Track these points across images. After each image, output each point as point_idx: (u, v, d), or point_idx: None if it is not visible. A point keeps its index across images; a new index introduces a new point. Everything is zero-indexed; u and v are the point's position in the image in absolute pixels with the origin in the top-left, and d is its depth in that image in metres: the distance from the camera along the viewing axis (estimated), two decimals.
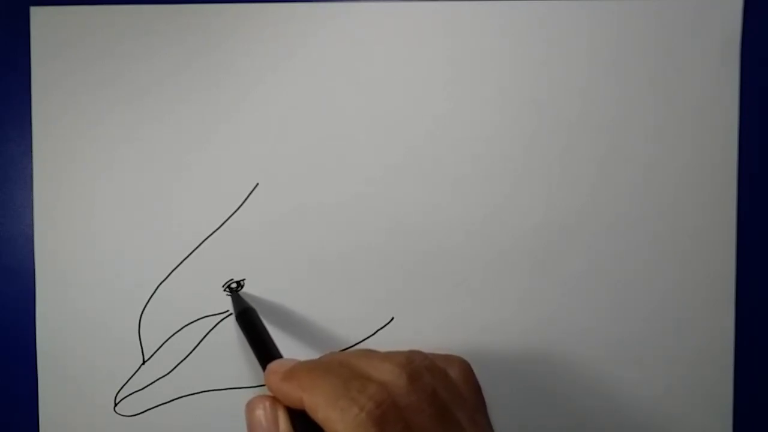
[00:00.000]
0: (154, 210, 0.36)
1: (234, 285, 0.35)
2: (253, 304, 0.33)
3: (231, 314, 0.35)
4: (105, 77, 0.35)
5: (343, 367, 0.25)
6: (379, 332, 0.35)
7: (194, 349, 0.36)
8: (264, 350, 0.30)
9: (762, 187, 0.35)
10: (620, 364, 0.35)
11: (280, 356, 0.29)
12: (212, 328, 0.36)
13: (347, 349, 0.35)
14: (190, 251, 0.36)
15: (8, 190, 0.36)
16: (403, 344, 0.35)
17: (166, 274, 0.36)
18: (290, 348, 0.35)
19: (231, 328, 0.36)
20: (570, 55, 0.35)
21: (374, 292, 0.35)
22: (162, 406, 0.36)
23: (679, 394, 0.35)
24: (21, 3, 0.35)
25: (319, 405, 0.23)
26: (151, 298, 0.36)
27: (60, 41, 0.35)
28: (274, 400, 0.26)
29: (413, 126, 0.35)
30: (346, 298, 0.35)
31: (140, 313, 0.36)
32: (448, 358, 0.28)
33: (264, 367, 0.28)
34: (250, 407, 0.26)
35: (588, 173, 0.35)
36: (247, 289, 0.35)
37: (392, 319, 0.36)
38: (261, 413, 0.26)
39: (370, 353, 0.26)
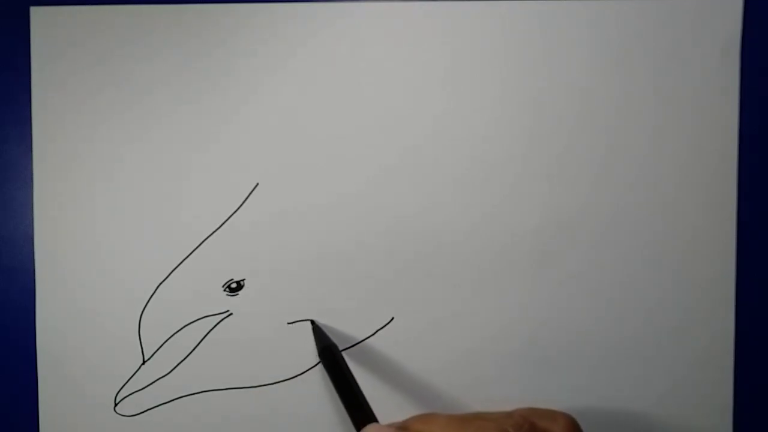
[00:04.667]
0: (154, 210, 0.36)
1: (234, 285, 0.35)
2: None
3: (231, 314, 0.36)
4: (105, 77, 0.35)
5: None
6: (379, 332, 0.35)
7: (194, 349, 0.36)
8: (355, 402, 0.31)
9: (762, 187, 0.35)
10: (620, 365, 0.35)
11: (369, 409, 0.30)
12: (212, 328, 0.36)
13: (346, 349, 0.35)
14: (190, 251, 0.36)
15: (8, 190, 0.36)
16: (403, 344, 0.35)
17: (166, 274, 0.36)
18: (290, 348, 0.35)
19: (231, 328, 0.36)
20: (570, 55, 0.35)
21: (374, 292, 0.35)
22: (162, 406, 0.36)
23: (679, 394, 0.35)
24: (21, 3, 0.35)
25: None
26: (151, 298, 0.36)
27: (60, 41, 0.35)
28: None
29: (413, 126, 0.35)
30: (345, 298, 0.35)
31: (140, 313, 0.36)
32: (553, 415, 0.28)
33: (356, 423, 0.29)
34: None
35: (588, 173, 0.35)
36: (247, 289, 0.35)
37: (392, 319, 0.36)
38: None
39: (472, 421, 0.26)
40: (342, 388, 0.32)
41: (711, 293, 0.35)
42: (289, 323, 0.35)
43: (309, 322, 0.35)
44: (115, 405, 0.36)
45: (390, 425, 0.28)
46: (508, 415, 0.27)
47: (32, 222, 0.36)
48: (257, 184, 0.36)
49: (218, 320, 0.36)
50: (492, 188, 0.35)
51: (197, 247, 0.36)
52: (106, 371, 0.36)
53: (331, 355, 0.33)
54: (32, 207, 0.36)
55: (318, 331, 0.35)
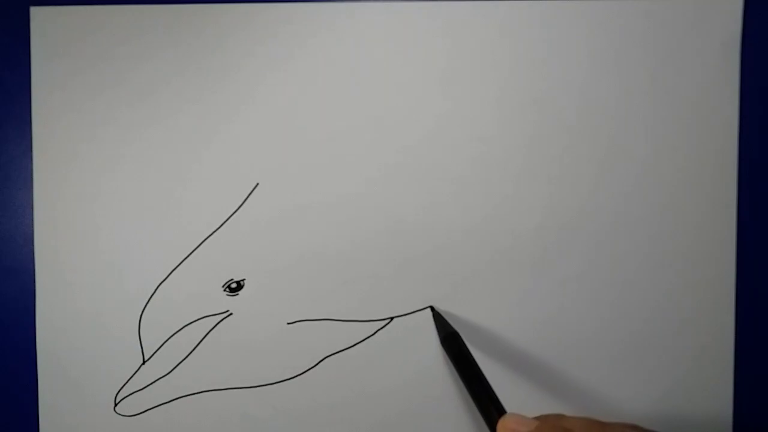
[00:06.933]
0: (155, 210, 0.36)
1: (234, 285, 0.35)
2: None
3: (231, 314, 0.36)
4: (105, 77, 0.35)
5: None
6: (379, 332, 0.35)
7: (194, 349, 0.36)
8: (484, 391, 0.30)
9: (762, 187, 0.35)
10: (620, 364, 0.35)
11: (497, 398, 0.30)
12: (212, 328, 0.36)
13: (345, 350, 0.35)
14: (190, 251, 0.36)
15: (8, 190, 0.36)
16: (403, 344, 0.35)
17: (166, 274, 0.36)
18: (290, 348, 0.35)
19: (231, 328, 0.36)
20: (570, 55, 0.35)
21: (374, 291, 0.35)
22: (162, 406, 0.36)
23: (679, 394, 0.35)
24: (21, 3, 0.35)
25: None
26: (151, 298, 0.36)
27: (60, 41, 0.35)
28: None
29: (413, 126, 0.35)
30: (345, 298, 0.35)
31: (140, 313, 0.36)
32: None
33: (487, 412, 0.29)
34: None
35: (588, 173, 0.35)
36: (247, 289, 0.35)
37: (392, 319, 0.36)
38: None
39: (611, 425, 0.27)
40: (469, 378, 0.31)
41: (711, 293, 0.35)
42: (289, 323, 0.36)
43: (429, 309, 0.35)
44: (115, 405, 0.36)
45: (524, 418, 0.28)
46: (633, 427, 0.27)
47: (32, 222, 0.36)
48: (257, 184, 0.36)
49: (218, 320, 0.36)
50: (492, 188, 0.35)
51: (197, 247, 0.36)
52: (106, 371, 0.36)
53: (455, 343, 0.32)
54: (32, 207, 0.36)
55: (439, 318, 0.34)
